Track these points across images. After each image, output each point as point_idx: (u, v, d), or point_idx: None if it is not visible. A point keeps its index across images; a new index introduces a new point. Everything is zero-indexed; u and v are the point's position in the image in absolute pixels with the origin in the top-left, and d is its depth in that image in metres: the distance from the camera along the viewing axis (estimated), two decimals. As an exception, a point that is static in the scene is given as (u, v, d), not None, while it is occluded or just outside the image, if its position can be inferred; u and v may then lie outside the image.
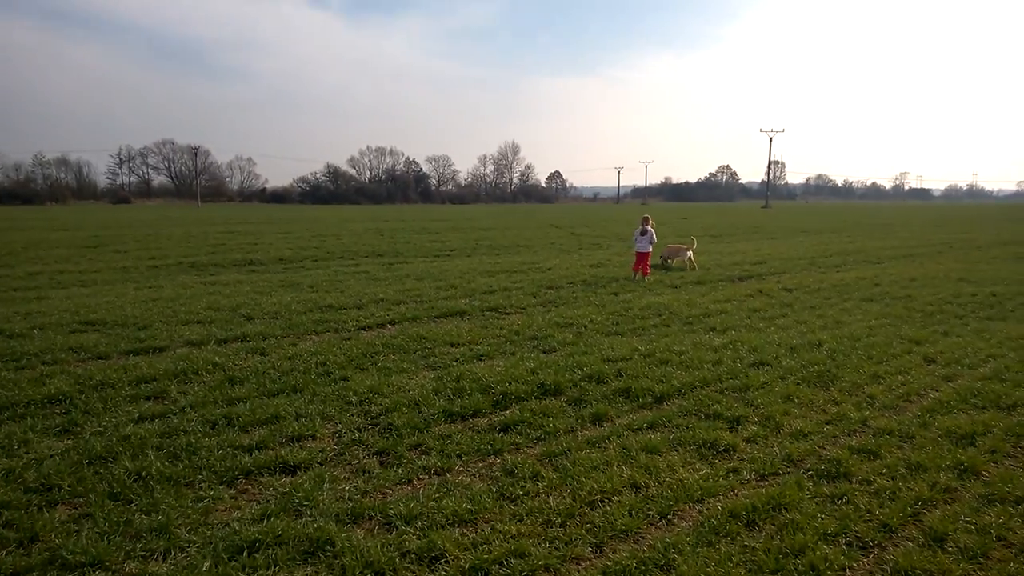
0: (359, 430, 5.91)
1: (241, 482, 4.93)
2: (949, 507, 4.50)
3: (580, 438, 5.70)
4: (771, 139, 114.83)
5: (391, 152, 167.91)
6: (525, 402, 6.55)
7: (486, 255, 23.16)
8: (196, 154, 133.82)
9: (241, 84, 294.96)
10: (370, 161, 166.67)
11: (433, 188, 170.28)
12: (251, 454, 5.35)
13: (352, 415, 6.27)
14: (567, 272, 17.40)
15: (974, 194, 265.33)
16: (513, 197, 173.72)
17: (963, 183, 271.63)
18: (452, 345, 9.24)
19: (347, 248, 24.75)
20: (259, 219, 49.24)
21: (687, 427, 5.89)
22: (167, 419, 6.10)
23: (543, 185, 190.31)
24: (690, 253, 18.34)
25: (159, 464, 5.08)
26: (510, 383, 6.99)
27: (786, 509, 4.44)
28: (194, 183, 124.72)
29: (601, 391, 6.84)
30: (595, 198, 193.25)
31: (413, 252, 23.90)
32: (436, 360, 8.37)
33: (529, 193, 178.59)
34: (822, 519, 4.31)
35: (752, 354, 8.28)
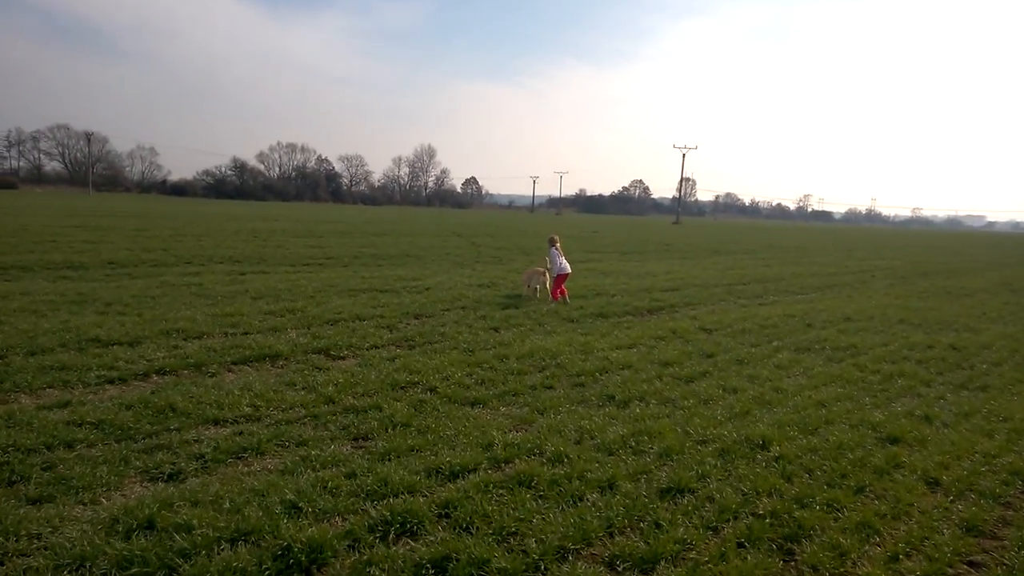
0: None
1: None
2: None
3: None
4: (684, 155, 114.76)
5: (303, 149, 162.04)
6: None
7: (364, 266, 19.80)
8: (90, 140, 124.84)
9: (148, 71, 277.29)
10: (280, 157, 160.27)
11: (345, 188, 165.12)
12: None
13: None
14: (448, 293, 14.33)
15: (872, 218, 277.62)
16: (428, 201, 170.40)
17: (862, 207, 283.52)
18: (215, 424, 6.00)
19: (202, 252, 20.86)
20: (130, 212, 43.99)
21: None
22: None
23: (459, 190, 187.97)
24: (546, 277, 14.44)
25: None
26: (231, 542, 3.81)
27: None
28: (88, 171, 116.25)
29: (393, 566, 3.74)
30: (510, 205, 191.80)
31: (280, 259, 20.28)
32: (165, 459, 5.11)
33: (444, 198, 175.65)
34: None
35: (664, 464, 5.35)
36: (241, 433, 5.75)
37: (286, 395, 6.86)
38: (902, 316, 14.05)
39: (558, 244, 14.35)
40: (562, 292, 14.02)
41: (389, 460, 5.22)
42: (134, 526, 3.99)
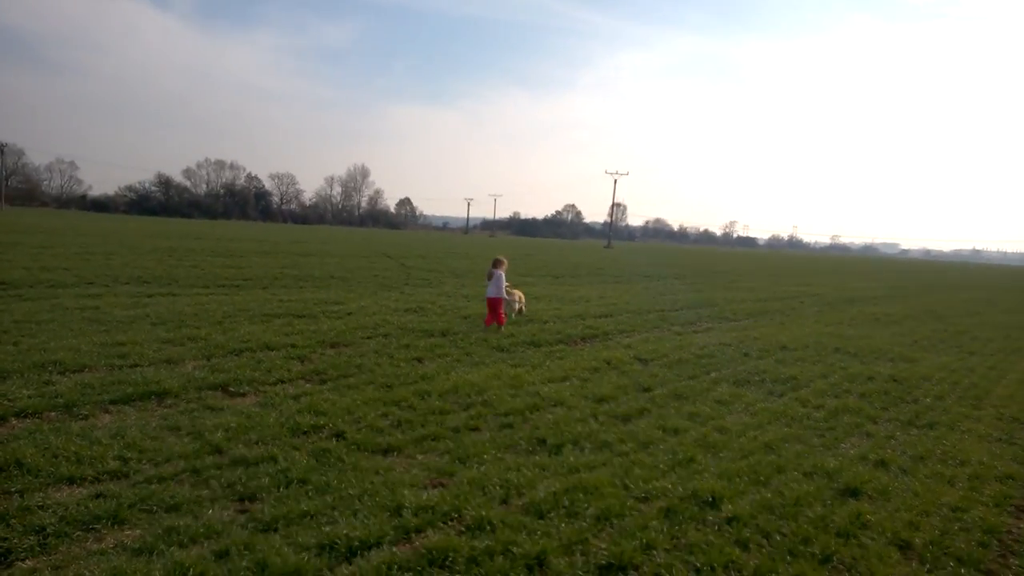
0: None
1: None
2: None
3: None
4: (615, 181, 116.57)
5: (232, 166, 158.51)
6: None
7: (285, 288, 18.64)
8: (3, 152, 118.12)
9: (72, 83, 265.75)
10: (208, 174, 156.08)
11: (275, 206, 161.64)
12: None
13: None
14: (372, 319, 13.42)
15: (793, 244, 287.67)
16: (361, 221, 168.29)
17: (784, 234, 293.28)
18: (71, 483, 5.02)
19: (108, 271, 19.34)
20: (40, 228, 41.39)
21: None
22: None
23: (392, 211, 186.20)
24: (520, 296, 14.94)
25: None
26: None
27: None
28: (1, 184, 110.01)
29: None
30: (444, 227, 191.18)
31: (192, 280, 18.93)
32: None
33: (377, 218, 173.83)
34: None
35: (602, 529, 4.64)
36: (100, 495, 4.79)
37: (166, 443, 5.90)
38: (837, 344, 13.84)
39: (496, 268, 13.58)
40: (499, 320, 13.25)
41: (275, 531, 4.37)
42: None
